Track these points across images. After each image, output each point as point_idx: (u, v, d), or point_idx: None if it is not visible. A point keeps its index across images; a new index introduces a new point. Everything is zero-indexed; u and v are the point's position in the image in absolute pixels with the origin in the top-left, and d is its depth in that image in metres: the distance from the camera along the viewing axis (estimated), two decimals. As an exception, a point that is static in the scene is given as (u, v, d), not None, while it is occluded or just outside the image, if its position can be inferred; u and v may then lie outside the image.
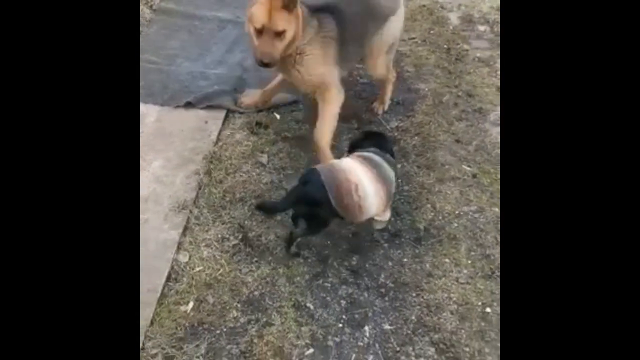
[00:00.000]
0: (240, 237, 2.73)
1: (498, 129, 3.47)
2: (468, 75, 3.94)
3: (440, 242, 2.82)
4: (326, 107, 3.11)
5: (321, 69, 3.01)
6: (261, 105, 3.51)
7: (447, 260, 2.74)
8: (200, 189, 2.95)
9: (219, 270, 2.59)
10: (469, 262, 2.73)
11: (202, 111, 3.43)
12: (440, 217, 2.95)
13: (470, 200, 3.04)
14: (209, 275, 2.56)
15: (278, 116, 3.49)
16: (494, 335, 2.44)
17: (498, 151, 3.31)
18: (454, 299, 2.57)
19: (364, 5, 3.11)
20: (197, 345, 2.31)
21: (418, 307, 2.54)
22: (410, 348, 2.39)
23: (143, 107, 3.40)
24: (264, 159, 3.19)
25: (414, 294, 2.59)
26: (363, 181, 2.45)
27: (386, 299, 2.57)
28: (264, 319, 2.42)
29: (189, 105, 3.44)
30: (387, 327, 2.47)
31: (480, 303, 2.56)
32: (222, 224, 2.80)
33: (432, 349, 2.39)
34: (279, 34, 2.74)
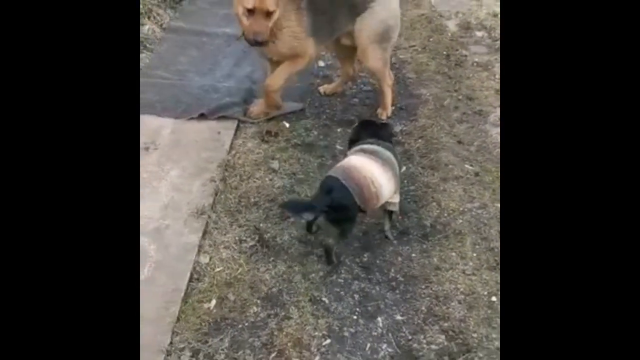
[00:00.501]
0: (256, 238, 2.89)
1: (498, 129, 3.62)
2: (467, 80, 4.11)
3: (447, 238, 2.96)
4: (287, 64, 3.38)
5: (295, 42, 3.28)
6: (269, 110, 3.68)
7: (453, 254, 2.88)
8: (216, 195, 3.11)
9: (238, 269, 2.74)
10: (474, 255, 2.87)
11: (214, 122, 3.61)
12: (445, 214, 3.10)
13: (473, 198, 3.19)
14: (229, 274, 2.71)
15: (287, 124, 3.66)
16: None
17: (498, 150, 3.46)
18: (461, 289, 2.71)
19: None
20: (221, 339, 2.45)
21: (427, 298, 2.69)
22: (422, 336, 2.53)
23: (159, 120, 3.58)
24: (275, 165, 3.35)
25: (423, 286, 2.74)
26: (375, 173, 2.64)
27: (397, 291, 2.71)
28: (283, 313, 2.57)
29: (202, 117, 3.62)
30: (398, 317, 2.61)
31: (486, 292, 2.70)
32: (239, 227, 2.95)
33: (442, 337, 2.53)
34: (269, 14, 2.99)
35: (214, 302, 2.60)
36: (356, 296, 2.68)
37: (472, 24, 4.73)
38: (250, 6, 2.98)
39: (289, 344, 2.44)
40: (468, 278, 2.76)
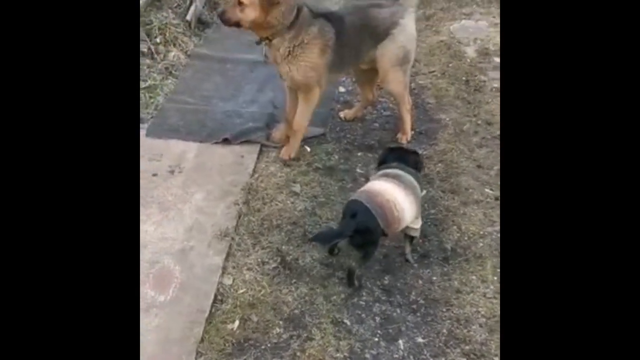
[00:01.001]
0: (279, 260, 2.94)
1: (517, 153, 3.64)
2: (486, 105, 4.15)
3: (467, 261, 2.99)
4: (304, 103, 3.52)
5: (310, 73, 3.39)
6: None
7: (474, 277, 2.90)
8: (240, 217, 3.18)
9: (261, 291, 2.78)
10: (495, 278, 2.88)
11: (238, 147, 3.69)
12: (465, 238, 3.12)
13: (493, 221, 3.21)
14: (252, 296, 2.76)
15: (308, 149, 3.72)
16: (522, 345, 2.57)
17: (518, 174, 3.48)
18: (482, 312, 2.73)
19: (362, 16, 3.50)
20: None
21: (448, 321, 2.70)
22: (443, 359, 2.55)
23: (184, 144, 3.68)
24: (297, 188, 3.41)
25: (444, 309, 2.75)
26: (397, 197, 2.68)
27: (418, 314, 2.74)
28: (305, 335, 2.60)
29: (226, 141, 3.70)
30: (420, 340, 2.63)
31: (507, 316, 2.70)
32: (262, 249, 3.00)
33: (464, 359, 2.54)
34: (240, 4, 3.17)
35: (237, 323, 2.64)
36: (377, 318, 2.71)
37: (490, 50, 4.79)
38: None
39: (311, 365, 2.48)
40: (489, 301, 2.77)
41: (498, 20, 5.02)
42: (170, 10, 4.90)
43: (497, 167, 3.60)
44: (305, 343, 2.56)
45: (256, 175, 3.49)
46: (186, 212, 3.20)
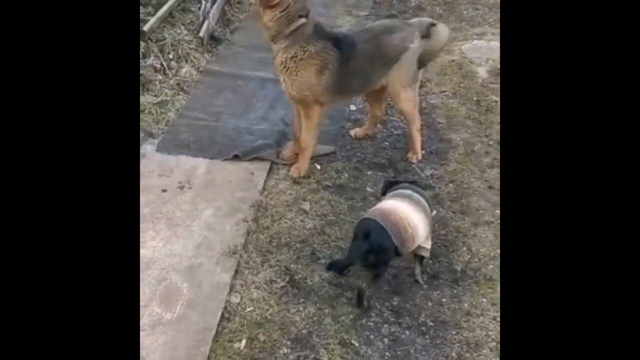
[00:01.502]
0: (287, 279, 2.91)
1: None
2: (498, 125, 4.12)
3: (477, 283, 2.95)
4: (305, 121, 3.55)
5: (306, 91, 3.40)
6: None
7: (484, 300, 2.86)
8: (248, 235, 3.16)
9: (269, 310, 2.76)
10: (506, 301, 2.84)
11: (248, 163, 3.68)
12: (476, 259, 3.09)
13: (504, 243, 3.17)
14: (259, 315, 2.73)
15: (318, 167, 3.71)
16: (533, 371, 2.53)
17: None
18: (493, 336, 2.69)
19: (376, 44, 3.52)
20: (251, 380, 2.47)
21: (458, 344, 2.66)
22: (452, 383, 2.51)
23: (194, 160, 3.68)
24: (306, 206, 3.39)
25: (453, 332, 2.72)
26: (410, 215, 2.67)
27: (427, 336, 2.70)
28: (312, 356, 2.57)
29: (236, 158, 3.70)
30: (429, 363, 2.59)
31: (518, 340, 2.66)
32: (270, 267, 2.98)
33: (473, 384, 2.50)
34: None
35: (244, 342, 2.61)
36: (386, 340, 2.67)
37: (502, 70, 4.79)
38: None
39: (319, 387, 2.44)
40: (499, 325, 2.73)
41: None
42: (183, 27, 4.94)
43: (508, 188, 3.57)
44: (312, 364, 2.54)
45: (266, 193, 3.48)
46: (195, 229, 3.19)
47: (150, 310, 2.69)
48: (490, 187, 3.58)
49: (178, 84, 4.45)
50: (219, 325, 2.67)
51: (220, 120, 4.13)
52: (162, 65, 4.47)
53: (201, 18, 5.01)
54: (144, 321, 2.63)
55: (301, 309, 2.78)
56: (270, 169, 3.68)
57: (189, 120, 4.09)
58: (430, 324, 2.76)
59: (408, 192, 2.83)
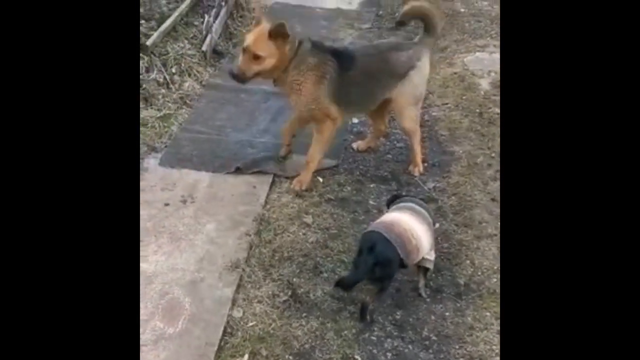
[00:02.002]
0: (289, 293, 2.90)
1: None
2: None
3: (481, 297, 2.94)
4: (317, 135, 3.60)
5: (312, 104, 3.45)
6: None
7: (487, 313, 2.85)
8: (251, 249, 3.16)
9: (271, 324, 2.75)
10: (510, 315, 2.82)
11: (250, 177, 3.69)
12: (479, 273, 3.08)
13: (508, 256, 3.16)
14: (261, 329, 2.72)
15: (321, 180, 3.71)
16: (537, 385, 2.51)
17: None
18: (497, 351, 2.67)
19: (382, 59, 3.58)
20: (253, 396, 2.45)
21: (462, 359, 2.65)
22: (456, 399, 2.49)
23: (196, 174, 3.69)
24: (308, 219, 3.39)
25: (457, 347, 2.70)
26: (414, 226, 2.68)
27: (430, 351, 2.68)
28: (315, 371, 2.56)
29: (238, 171, 3.70)
30: (432, 378, 2.57)
31: (522, 355, 2.64)
32: (273, 281, 2.98)
33: (477, 399, 2.48)
34: (257, 58, 3.26)
35: (246, 357, 2.60)
36: (389, 354, 2.66)
37: (504, 82, 4.79)
38: (244, 45, 3.32)
39: (321, 403, 2.42)
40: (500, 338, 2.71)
41: (512, 53, 5.03)
42: (186, 41, 4.96)
43: (512, 200, 3.56)
44: (315, 379, 2.52)
45: (268, 206, 3.48)
46: (197, 243, 3.18)
47: (152, 325, 2.68)
48: (493, 200, 3.57)
49: (181, 98, 4.46)
50: (221, 340, 2.66)
51: (223, 134, 4.14)
52: (165, 79, 4.49)
53: (204, 32, 5.03)
54: (146, 336, 2.62)
55: (304, 323, 2.77)
56: (273, 182, 3.67)
57: (192, 134, 4.10)
58: (434, 338, 2.74)
59: (410, 204, 2.84)
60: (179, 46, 4.83)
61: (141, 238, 3.00)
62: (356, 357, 2.62)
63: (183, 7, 5.11)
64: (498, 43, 5.39)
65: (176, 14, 4.98)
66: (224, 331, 2.70)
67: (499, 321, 2.79)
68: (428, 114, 4.40)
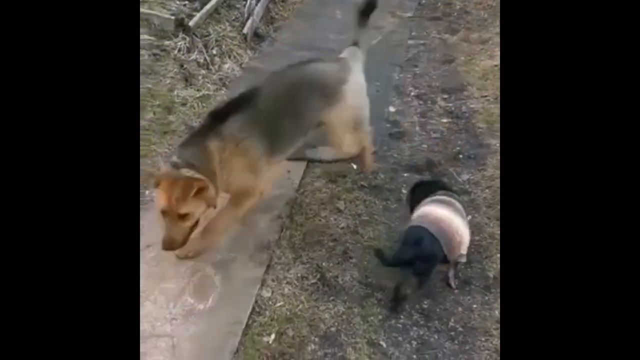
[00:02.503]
0: (318, 276, 2.94)
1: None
2: (539, 132, 4.06)
3: (510, 291, 2.91)
4: (234, 209, 2.98)
5: (250, 175, 2.91)
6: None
7: (516, 308, 2.83)
8: (282, 231, 3.20)
9: (299, 306, 2.79)
10: (538, 311, 2.81)
11: (284, 161, 3.71)
12: (509, 267, 3.05)
13: (539, 252, 3.13)
14: (289, 310, 2.76)
15: (355, 166, 3.73)
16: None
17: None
18: (523, 345, 2.65)
19: (301, 76, 3.11)
20: (278, 374, 2.50)
21: (487, 351, 2.64)
22: (479, 390, 2.49)
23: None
24: (340, 205, 3.41)
25: (482, 339, 2.70)
26: (456, 222, 2.69)
27: (456, 342, 2.69)
28: (340, 354, 2.59)
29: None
30: (456, 368, 2.58)
31: (548, 351, 2.63)
32: (302, 264, 3.01)
33: (501, 393, 2.48)
34: (184, 216, 2.64)
35: (273, 336, 2.64)
36: (414, 343, 2.67)
37: (546, 76, 4.71)
38: (160, 208, 2.61)
39: (344, 385, 2.46)
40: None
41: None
42: (227, 23, 5.02)
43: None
44: (339, 362, 2.55)
45: (301, 190, 3.52)
46: (230, 223, 3.23)
47: (183, 300, 2.75)
48: (527, 195, 3.53)
49: (220, 79, 4.52)
50: (249, 318, 2.71)
51: (260, 117, 4.17)
52: (205, 60, 4.56)
53: (246, 15, 5.08)
54: (176, 310, 2.69)
55: (331, 306, 2.80)
56: (307, 168, 3.70)
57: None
58: (460, 329, 2.75)
59: (448, 198, 2.82)
60: (220, 28, 4.89)
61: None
62: (381, 342, 2.65)
63: (226, -11, 5.17)
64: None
65: (219, -4, 5.04)
66: (252, 310, 2.75)
67: (526, 316, 2.78)
68: (466, 105, 4.36)
